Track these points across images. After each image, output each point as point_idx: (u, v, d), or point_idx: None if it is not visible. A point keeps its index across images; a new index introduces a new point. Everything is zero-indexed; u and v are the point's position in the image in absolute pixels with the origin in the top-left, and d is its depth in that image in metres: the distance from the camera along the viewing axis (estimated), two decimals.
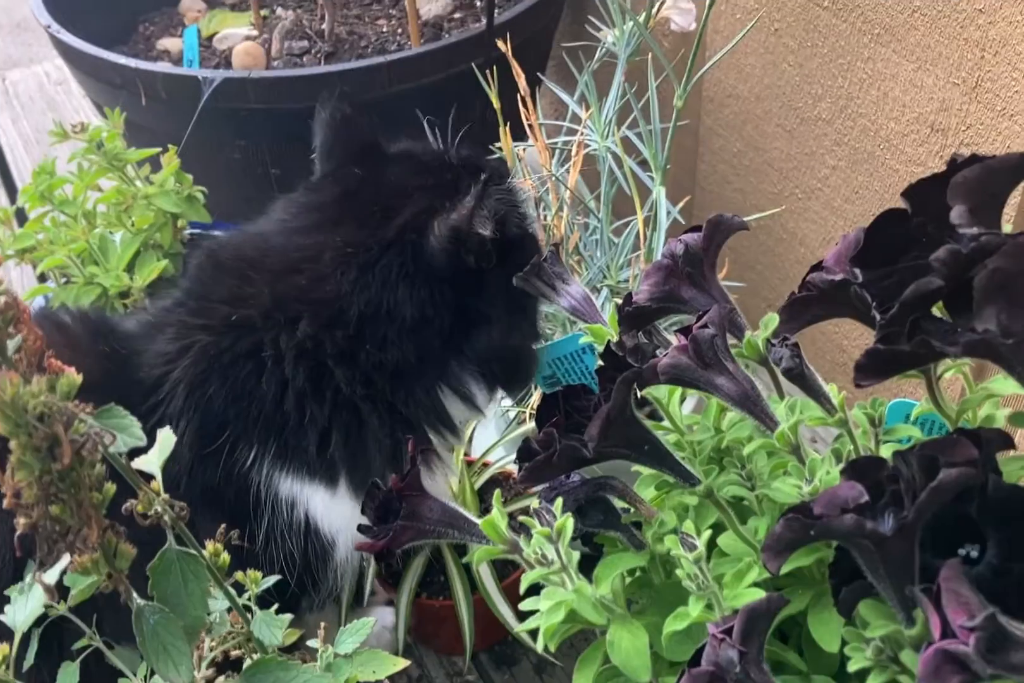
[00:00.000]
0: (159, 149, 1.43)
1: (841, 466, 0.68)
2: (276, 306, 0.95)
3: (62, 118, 2.46)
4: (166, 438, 0.64)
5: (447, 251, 0.95)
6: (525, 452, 0.72)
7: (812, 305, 0.69)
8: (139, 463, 0.62)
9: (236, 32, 1.96)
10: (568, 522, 0.65)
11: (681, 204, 1.30)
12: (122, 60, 1.54)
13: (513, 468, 1.26)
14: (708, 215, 0.78)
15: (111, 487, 0.56)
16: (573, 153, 1.31)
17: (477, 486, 1.23)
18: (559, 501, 0.66)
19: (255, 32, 1.96)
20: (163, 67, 1.57)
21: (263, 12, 2.02)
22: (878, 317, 0.64)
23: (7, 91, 2.62)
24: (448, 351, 0.99)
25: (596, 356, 1.18)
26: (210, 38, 1.98)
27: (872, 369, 0.61)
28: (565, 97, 1.41)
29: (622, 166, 1.32)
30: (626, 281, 1.27)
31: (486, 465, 1.27)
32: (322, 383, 0.95)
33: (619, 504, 0.77)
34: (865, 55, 1.33)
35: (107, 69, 1.56)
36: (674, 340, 0.83)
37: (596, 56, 1.43)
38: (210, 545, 0.68)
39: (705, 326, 0.69)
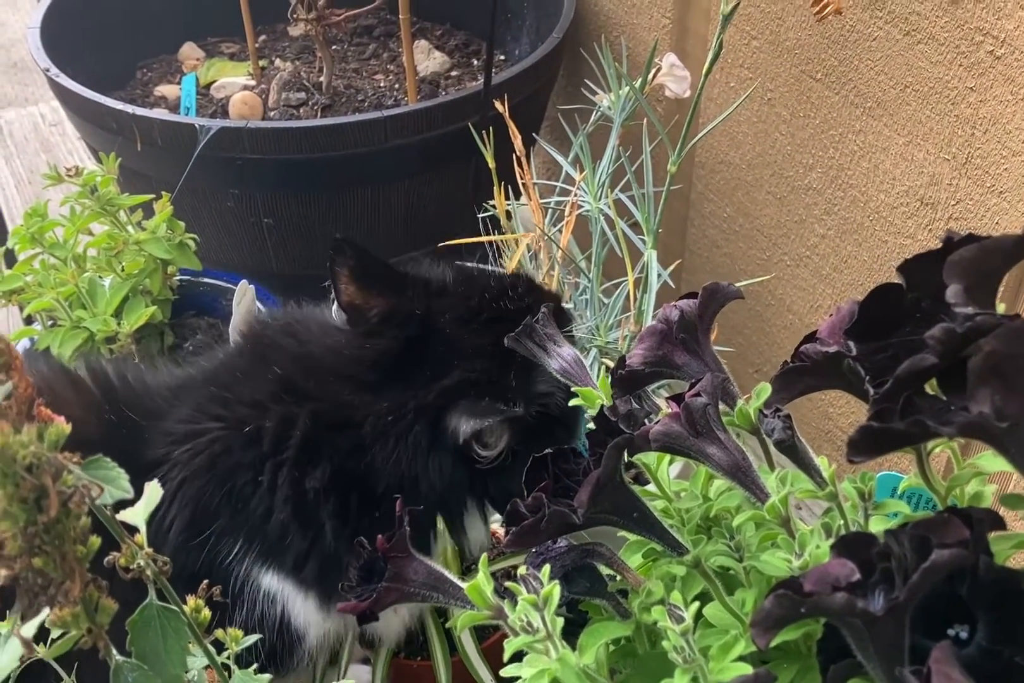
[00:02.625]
0: (152, 195, 1.43)
1: (831, 541, 0.68)
2: (301, 447, 0.95)
3: (56, 159, 2.48)
4: (153, 491, 0.64)
5: (465, 445, 0.95)
6: (513, 516, 0.71)
7: (805, 376, 0.70)
8: (124, 516, 0.62)
9: (234, 81, 1.97)
10: (555, 590, 0.65)
11: (671, 268, 1.30)
12: (119, 106, 1.55)
13: (496, 527, 1.25)
14: (697, 279, 0.78)
15: (95, 540, 0.55)
16: (566, 213, 1.32)
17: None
18: (546, 568, 0.66)
19: (253, 82, 1.97)
20: (160, 114, 1.58)
21: (261, 62, 2.03)
22: (871, 391, 0.65)
23: (1, 130, 2.63)
24: (467, 502, 1.00)
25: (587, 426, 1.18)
26: (208, 86, 2.00)
27: (865, 446, 0.61)
28: (559, 159, 1.42)
29: (614, 228, 1.32)
30: (615, 342, 1.27)
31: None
32: (307, 525, 0.95)
33: (605, 571, 0.76)
34: (857, 127, 1.35)
35: (104, 114, 1.57)
36: (664, 405, 0.83)
37: (591, 119, 1.44)
38: (191, 601, 0.67)
39: (698, 394, 0.69)
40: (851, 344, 0.68)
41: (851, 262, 1.42)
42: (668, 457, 0.85)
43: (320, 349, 1.01)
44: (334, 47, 2.08)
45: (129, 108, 1.53)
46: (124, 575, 0.60)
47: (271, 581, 0.96)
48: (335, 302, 1.03)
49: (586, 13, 1.88)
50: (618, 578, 0.77)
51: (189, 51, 2.13)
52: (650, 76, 1.36)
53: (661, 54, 1.39)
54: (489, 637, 1.17)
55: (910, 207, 1.29)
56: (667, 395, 0.74)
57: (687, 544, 0.73)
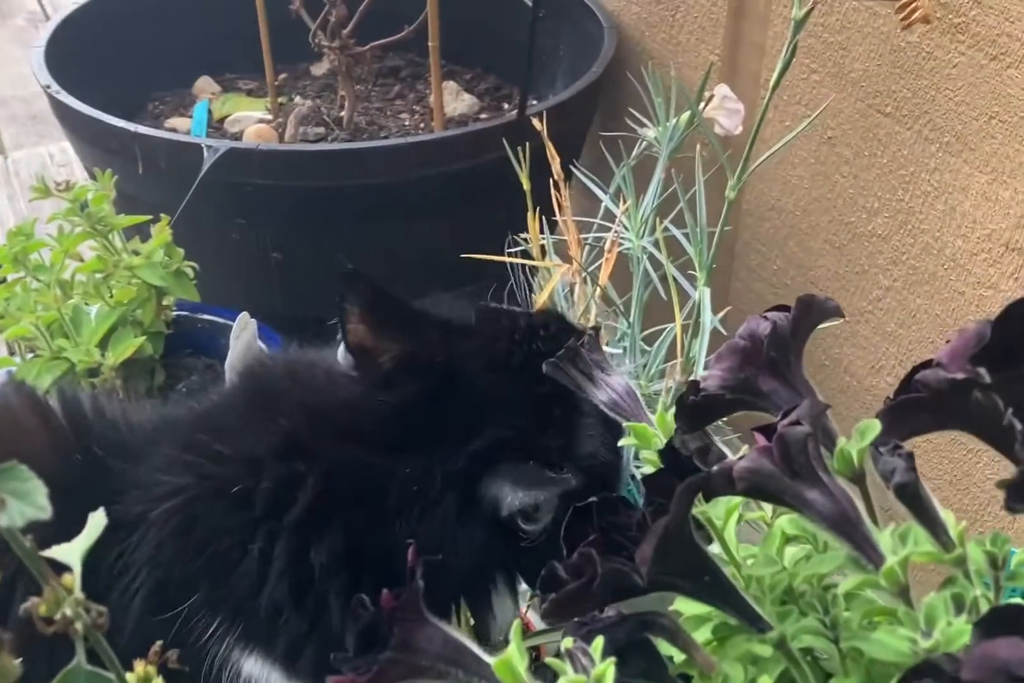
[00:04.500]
0: (149, 217, 1.30)
1: (965, 617, 0.53)
2: (307, 514, 0.81)
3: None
4: (96, 522, 0.49)
5: (508, 519, 0.83)
6: (550, 580, 0.56)
7: (921, 411, 0.56)
8: (55, 552, 0.47)
9: (249, 115, 1.87)
10: (609, 670, 0.50)
11: (722, 313, 1.17)
12: (120, 123, 1.44)
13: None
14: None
15: None
16: (606, 250, 1.19)
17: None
18: (598, 641, 0.51)
19: (269, 117, 1.87)
20: (164, 133, 1.46)
21: (280, 99, 1.93)
22: (1019, 427, 0.51)
23: (8, 169, 2.54)
24: (496, 579, 0.88)
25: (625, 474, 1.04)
26: (222, 120, 1.89)
27: None
28: (599, 192, 1.30)
29: (658, 268, 1.19)
30: (658, 393, 1.13)
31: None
32: (308, 606, 0.81)
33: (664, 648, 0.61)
34: (931, 166, 1.22)
35: (104, 133, 1.46)
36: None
37: (634, 152, 1.33)
38: (139, 666, 0.52)
39: (796, 423, 0.54)
40: (982, 371, 0.54)
41: (920, 317, 1.28)
42: (737, 513, 0.70)
43: (330, 401, 0.88)
44: (358, 87, 1.97)
45: (131, 126, 1.42)
46: (44, 628, 0.45)
47: (254, 666, 0.81)
48: (342, 344, 0.89)
49: (626, 52, 1.78)
50: (675, 658, 0.62)
51: (204, 85, 2.03)
52: (700, 107, 1.25)
53: (710, 86, 1.28)
54: None
55: (993, 253, 1.16)
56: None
57: (771, 618, 0.58)
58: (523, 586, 0.91)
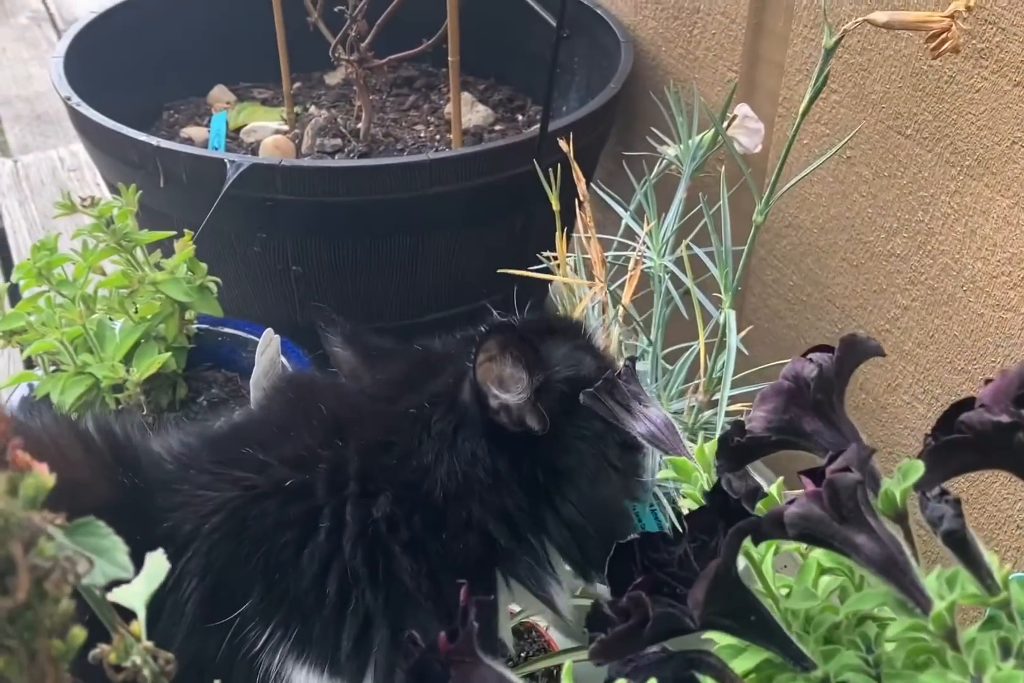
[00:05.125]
0: (173, 232, 1.31)
1: (1013, 662, 0.53)
2: (359, 478, 0.85)
3: None
4: (156, 564, 0.50)
5: (478, 393, 0.86)
6: (597, 619, 0.57)
7: (963, 451, 0.56)
8: (118, 596, 0.48)
9: (265, 125, 1.87)
10: None
11: (743, 333, 1.17)
12: (143, 137, 1.44)
13: (536, 619, 1.10)
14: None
15: (79, 633, 0.41)
16: (629, 269, 1.19)
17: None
18: None
19: (286, 127, 1.87)
20: (187, 148, 1.46)
21: (296, 109, 1.93)
22: None
23: (18, 173, 2.53)
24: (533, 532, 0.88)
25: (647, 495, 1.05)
26: (237, 130, 1.89)
27: None
28: (620, 210, 1.30)
29: (679, 287, 1.20)
30: (680, 412, 1.13)
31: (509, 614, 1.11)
32: (380, 570, 0.83)
33: None
34: (952, 188, 1.22)
35: (126, 146, 1.46)
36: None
37: (655, 170, 1.33)
38: None
39: (846, 469, 0.55)
40: None
41: (938, 337, 1.28)
42: (775, 546, 0.71)
43: (348, 393, 0.94)
44: (373, 97, 1.98)
45: (153, 140, 1.42)
46: (113, 677, 0.46)
47: (305, 678, 0.82)
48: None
49: (643, 68, 1.78)
50: None
51: (219, 94, 2.03)
52: (724, 125, 1.25)
53: (732, 105, 1.28)
54: None
55: (1013, 277, 1.16)
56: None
57: (815, 656, 0.58)
58: None
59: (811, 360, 0.62)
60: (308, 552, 0.82)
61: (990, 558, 0.58)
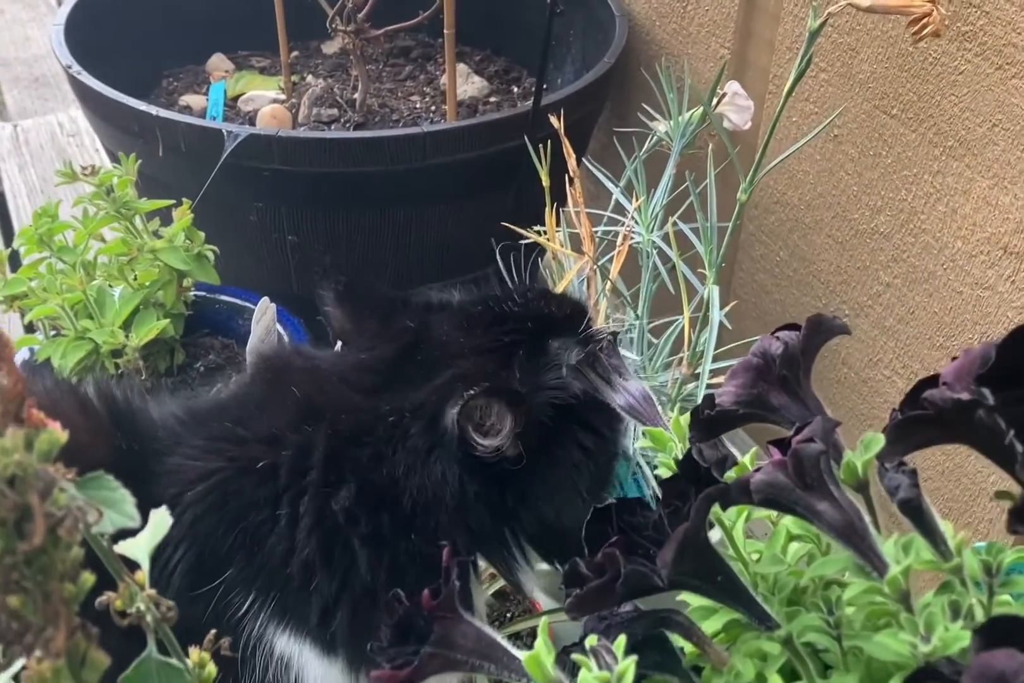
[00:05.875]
0: (172, 201, 1.33)
1: (961, 623, 0.57)
2: (324, 468, 0.85)
3: None
4: (160, 520, 0.53)
5: (462, 434, 0.84)
6: (573, 576, 0.60)
7: (926, 427, 0.59)
8: (124, 548, 0.51)
9: (263, 94, 1.89)
10: (630, 667, 0.54)
11: (727, 309, 1.20)
12: (143, 107, 1.46)
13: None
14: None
15: (89, 578, 0.44)
16: (618, 244, 1.22)
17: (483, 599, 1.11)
18: (621, 640, 0.55)
19: (283, 96, 1.89)
20: (186, 117, 1.48)
21: (293, 78, 1.95)
22: (1020, 449, 0.54)
23: (17, 138, 2.55)
24: (497, 535, 0.89)
25: (629, 464, 1.08)
26: (235, 99, 1.91)
27: None
28: (610, 186, 1.33)
29: (666, 262, 1.23)
30: (664, 385, 1.16)
31: (493, 576, 1.15)
32: (336, 559, 0.84)
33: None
34: (934, 168, 1.25)
35: (126, 115, 1.48)
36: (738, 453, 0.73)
37: (646, 146, 1.35)
38: (194, 654, 0.56)
39: (810, 440, 0.58)
40: (986, 392, 0.57)
41: (919, 314, 1.32)
42: (746, 513, 0.74)
43: (328, 369, 0.93)
44: (369, 67, 1.99)
45: (153, 110, 1.44)
46: (119, 621, 0.49)
47: (287, 643, 0.84)
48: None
49: (637, 42, 1.80)
50: (687, 651, 0.66)
51: (218, 62, 2.05)
52: (713, 103, 1.28)
53: (722, 83, 1.30)
54: None
55: (991, 256, 1.19)
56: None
57: (779, 617, 0.62)
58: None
59: (778, 338, 0.65)
60: (275, 535, 0.84)
61: (945, 527, 0.61)
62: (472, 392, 0.81)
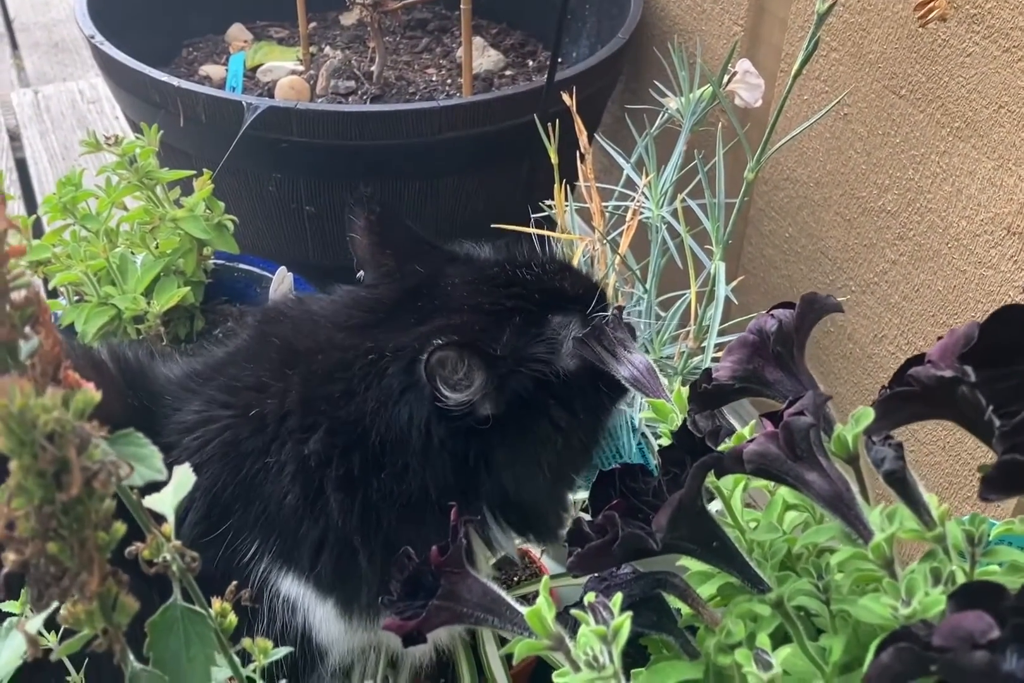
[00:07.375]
0: (193, 171, 1.36)
1: (941, 588, 0.60)
2: (299, 411, 0.87)
3: None
4: (184, 476, 0.57)
5: (429, 378, 0.83)
6: (576, 536, 0.64)
7: (912, 402, 0.62)
8: (150, 502, 0.54)
9: (282, 66, 1.91)
10: (626, 622, 0.57)
11: (734, 283, 1.23)
12: (164, 77, 1.49)
13: (528, 546, 1.17)
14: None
15: (120, 527, 0.48)
16: (627, 219, 1.25)
17: (490, 563, 1.14)
18: (618, 597, 0.58)
19: (301, 68, 1.91)
20: (207, 89, 1.51)
21: (311, 49, 1.97)
22: (997, 423, 0.57)
23: (38, 104, 2.57)
24: (464, 492, 0.89)
25: (635, 434, 1.11)
26: (254, 69, 1.94)
27: (1003, 483, 0.53)
28: (622, 161, 1.35)
29: (676, 237, 1.25)
30: (670, 357, 1.19)
31: None
32: (317, 503, 0.86)
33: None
34: (941, 148, 1.27)
35: (148, 86, 1.50)
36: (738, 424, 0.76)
37: (657, 123, 1.37)
38: (216, 604, 0.60)
39: (800, 413, 0.61)
40: (968, 370, 0.60)
41: (923, 291, 1.34)
42: (744, 482, 0.77)
43: (320, 306, 0.94)
44: (386, 39, 2.02)
45: (174, 81, 1.47)
46: (147, 569, 0.52)
47: (290, 586, 0.88)
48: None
49: (652, 17, 1.81)
50: (683, 612, 0.70)
51: (237, 32, 2.07)
52: (723, 81, 1.29)
53: (734, 60, 1.32)
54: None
55: (995, 236, 1.22)
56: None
57: (771, 581, 0.65)
58: None
59: (773, 316, 0.68)
60: (268, 482, 0.86)
61: (929, 498, 0.65)
62: (440, 342, 0.81)
